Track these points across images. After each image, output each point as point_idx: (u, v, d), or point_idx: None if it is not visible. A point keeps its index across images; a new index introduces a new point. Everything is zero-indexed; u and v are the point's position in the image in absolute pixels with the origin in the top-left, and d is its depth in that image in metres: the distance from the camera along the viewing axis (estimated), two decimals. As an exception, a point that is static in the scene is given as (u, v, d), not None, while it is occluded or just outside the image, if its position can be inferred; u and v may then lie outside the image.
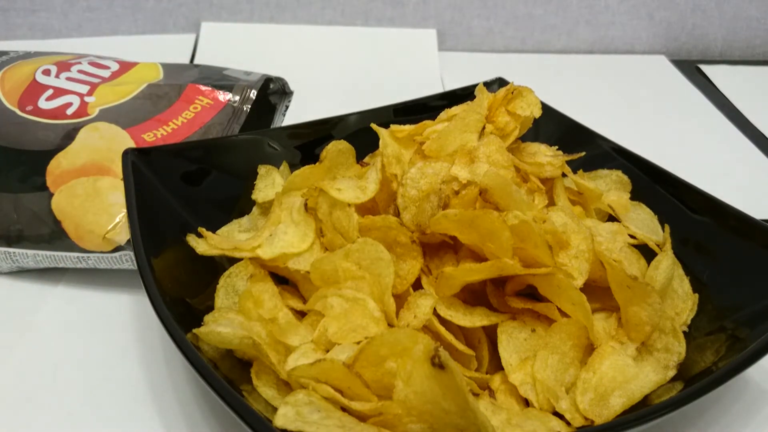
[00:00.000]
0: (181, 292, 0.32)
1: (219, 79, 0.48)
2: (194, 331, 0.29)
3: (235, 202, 0.40)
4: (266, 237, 0.34)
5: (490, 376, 0.31)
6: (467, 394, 0.24)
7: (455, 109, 0.39)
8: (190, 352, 0.27)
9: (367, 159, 0.41)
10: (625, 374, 0.30)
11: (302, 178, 0.37)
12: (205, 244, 0.33)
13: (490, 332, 0.32)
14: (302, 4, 0.77)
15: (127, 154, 0.37)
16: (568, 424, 0.29)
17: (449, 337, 0.30)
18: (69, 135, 0.42)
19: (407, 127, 0.38)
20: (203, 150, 0.41)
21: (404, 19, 0.79)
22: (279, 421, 0.24)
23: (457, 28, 0.80)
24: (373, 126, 0.38)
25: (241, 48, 0.72)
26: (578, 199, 0.39)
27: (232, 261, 0.34)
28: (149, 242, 0.32)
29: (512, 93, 0.38)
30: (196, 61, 0.71)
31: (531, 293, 0.33)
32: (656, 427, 0.27)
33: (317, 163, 0.37)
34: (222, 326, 0.29)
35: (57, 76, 0.46)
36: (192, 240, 0.34)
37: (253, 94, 0.47)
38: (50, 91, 0.44)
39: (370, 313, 0.30)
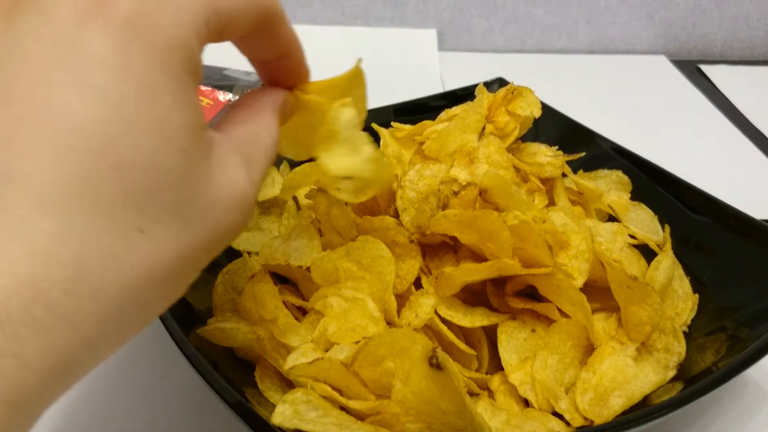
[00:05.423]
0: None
1: (219, 79, 0.48)
2: (198, 330, 0.29)
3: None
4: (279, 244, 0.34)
5: (489, 376, 0.31)
6: (464, 394, 0.24)
7: (455, 109, 0.39)
8: (190, 352, 0.27)
9: (367, 159, 0.40)
10: (625, 374, 0.30)
11: (302, 175, 0.36)
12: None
13: (490, 332, 0.32)
14: (302, 4, 0.77)
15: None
16: (568, 424, 0.29)
17: (451, 336, 0.30)
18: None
19: (407, 127, 0.38)
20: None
21: (404, 19, 0.79)
22: (276, 418, 0.24)
23: (457, 28, 0.80)
24: (374, 126, 0.38)
25: (242, 48, 0.72)
26: (578, 199, 0.39)
27: (231, 258, 0.34)
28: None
29: (512, 93, 0.38)
30: (196, 61, 0.71)
31: (531, 293, 0.32)
32: (656, 427, 0.27)
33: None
34: (226, 322, 0.29)
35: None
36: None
37: (253, 94, 0.47)
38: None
39: (369, 313, 0.30)
